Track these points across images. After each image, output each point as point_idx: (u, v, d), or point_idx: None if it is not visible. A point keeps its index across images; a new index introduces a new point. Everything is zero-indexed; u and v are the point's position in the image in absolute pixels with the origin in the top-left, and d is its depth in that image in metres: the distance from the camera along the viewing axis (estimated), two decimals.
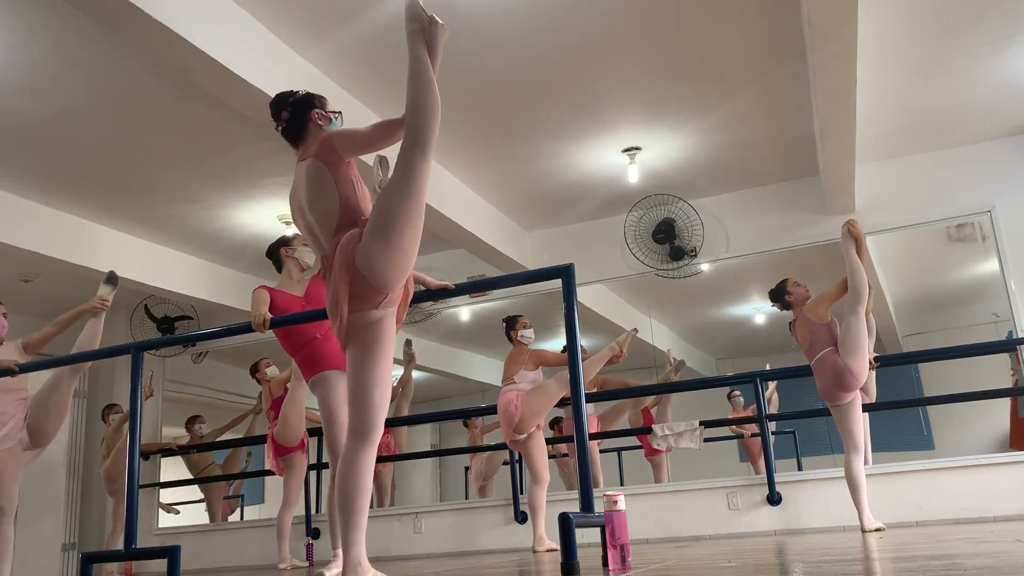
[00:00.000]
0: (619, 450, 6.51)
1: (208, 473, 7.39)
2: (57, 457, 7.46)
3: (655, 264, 6.53)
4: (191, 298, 7.09)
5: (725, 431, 6.66)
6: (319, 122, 2.77)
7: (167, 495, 7.75)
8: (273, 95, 2.89)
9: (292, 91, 2.85)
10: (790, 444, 6.43)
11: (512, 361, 5.24)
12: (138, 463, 3.77)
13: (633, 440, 6.52)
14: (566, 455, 6.61)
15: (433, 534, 6.21)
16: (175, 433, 7.84)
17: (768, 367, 6.23)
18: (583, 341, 6.20)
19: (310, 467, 5.98)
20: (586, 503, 2.91)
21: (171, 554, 3.36)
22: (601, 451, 6.47)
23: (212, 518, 7.45)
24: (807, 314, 4.77)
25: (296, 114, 2.77)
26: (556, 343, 6.22)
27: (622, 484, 6.47)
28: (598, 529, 2.88)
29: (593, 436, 6.16)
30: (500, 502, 6.16)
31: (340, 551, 3.66)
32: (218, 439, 7.51)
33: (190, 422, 7.45)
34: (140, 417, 3.83)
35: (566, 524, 2.62)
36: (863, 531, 4.47)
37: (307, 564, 5.85)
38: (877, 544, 3.35)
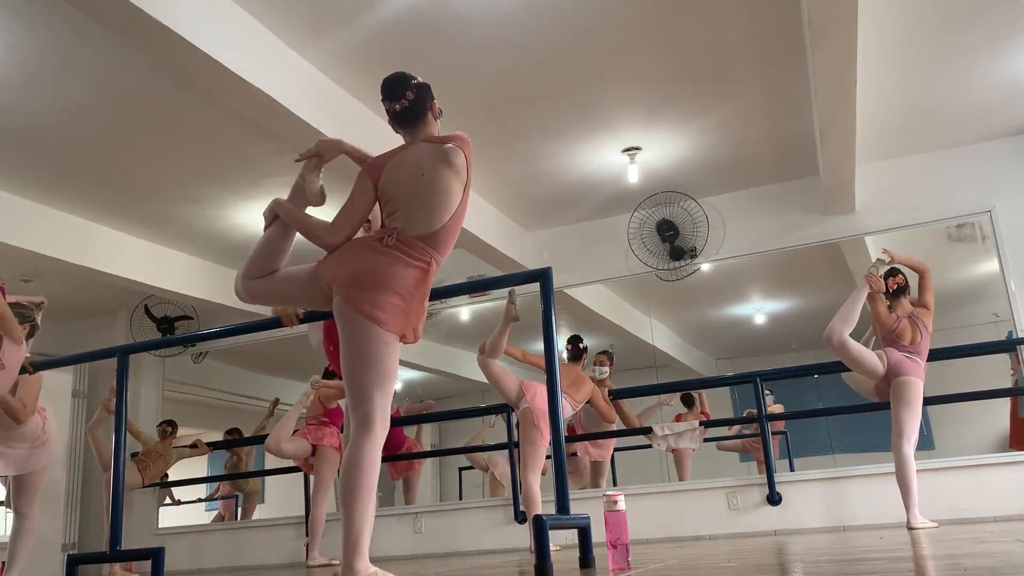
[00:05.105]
0: (617, 450, 6.49)
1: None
2: (57, 457, 7.45)
3: (656, 264, 6.52)
4: (191, 298, 7.09)
5: (726, 431, 6.65)
6: (434, 114, 2.67)
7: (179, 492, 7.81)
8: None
9: (410, 74, 2.67)
10: (782, 444, 6.43)
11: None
12: (123, 464, 3.78)
13: (631, 440, 6.48)
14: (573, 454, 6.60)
15: (433, 534, 6.21)
16: (178, 433, 7.83)
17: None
18: (588, 340, 6.24)
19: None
20: (562, 505, 2.94)
21: (155, 556, 3.36)
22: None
23: (245, 515, 7.45)
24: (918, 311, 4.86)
25: (420, 99, 2.62)
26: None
27: (615, 485, 6.46)
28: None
29: (596, 436, 6.16)
30: (500, 502, 6.16)
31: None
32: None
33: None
34: (125, 420, 3.86)
35: (540, 526, 2.63)
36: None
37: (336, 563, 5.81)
38: (877, 544, 3.35)
